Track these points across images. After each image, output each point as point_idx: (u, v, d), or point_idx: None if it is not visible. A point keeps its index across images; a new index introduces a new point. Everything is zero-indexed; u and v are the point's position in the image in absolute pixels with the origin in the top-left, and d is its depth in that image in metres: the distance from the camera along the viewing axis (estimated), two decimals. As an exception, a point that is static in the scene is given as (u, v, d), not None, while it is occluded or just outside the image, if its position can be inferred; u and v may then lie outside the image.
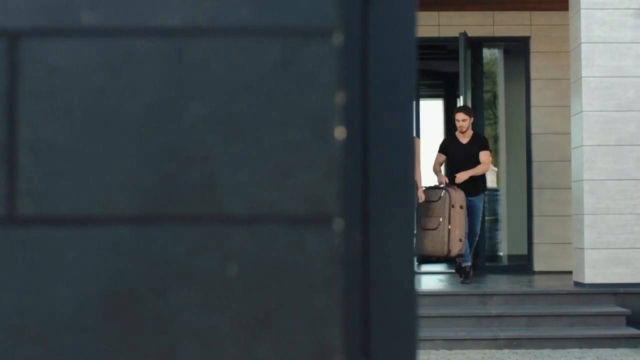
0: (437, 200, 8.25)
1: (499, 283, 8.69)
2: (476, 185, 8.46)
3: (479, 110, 10.07)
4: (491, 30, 10.22)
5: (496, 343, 7.15)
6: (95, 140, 0.68)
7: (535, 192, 10.07)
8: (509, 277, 9.37)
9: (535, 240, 10.05)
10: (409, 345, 0.90)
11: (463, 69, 9.60)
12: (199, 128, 0.67)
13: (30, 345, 0.68)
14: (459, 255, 8.37)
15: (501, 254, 10.71)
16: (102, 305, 0.68)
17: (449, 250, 8.17)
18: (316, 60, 0.68)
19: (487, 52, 10.79)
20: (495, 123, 11.04)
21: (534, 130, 10.09)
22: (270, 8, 0.68)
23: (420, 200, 8.59)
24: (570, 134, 8.64)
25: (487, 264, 10.13)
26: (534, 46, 10.17)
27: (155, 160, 0.68)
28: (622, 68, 8.03)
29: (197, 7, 0.68)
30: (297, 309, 0.68)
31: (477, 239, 8.78)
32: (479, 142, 8.56)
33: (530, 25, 10.20)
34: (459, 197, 8.24)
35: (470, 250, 8.61)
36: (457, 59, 9.83)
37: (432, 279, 9.58)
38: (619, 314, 7.54)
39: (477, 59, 10.26)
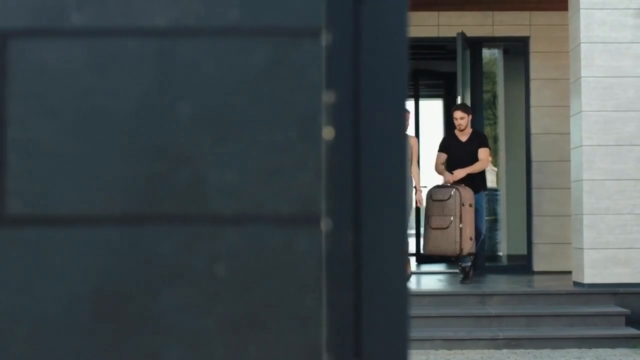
0: (448, 199, 8.16)
1: (499, 283, 8.68)
2: (475, 183, 8.42)
3: (479, 110, 10.07)
4: (491, 30, 10.22)
5: (495, 343, 7.15)
6: (84, 141, 0.68)
7: (534, 192, 10.07)
8: (509, 277, 9.37)
9: (535, 240, 10.05)
10: (401, 345, 0.90)
11: (461, 69, 9.60)
12: (187, 128, 0.67)
13: (19, 345, 0.68)
14: (470, 254, 8.31)
15: (501, 254, 10.71)
16: (91, 305, 0.68)
17: (460, 250, 8.10)
18: (304, 60, 0.68)
19: (486, 52, 10.79)
20: (495, 123, 11.04)
21: (533, 130, 10.09)
22: (259, 8, 0.68)
23: (419, 205, 8.55)
24: (569, 134, 8.64)
25: (486, 264, 10.13)
26: (533, 46, 10.17)
27: (144, 160, 0.68)
28: (622, 68, 8.03)
29: (185, 7, 0.68)
30: (285, 309, 0.68)
31: (482, 237, 8.74)
32: (478, 139, 8.53)
33: (530, 25, 10.20)
34: (468, 195, 8.19)
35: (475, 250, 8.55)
36: (456, 59, 9.82)
37: (431, 279, 9.58)
38: (618, 314, 7.54)
39: (476, 59, 10.26)
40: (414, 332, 7.18)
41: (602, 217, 7.96)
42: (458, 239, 8.07)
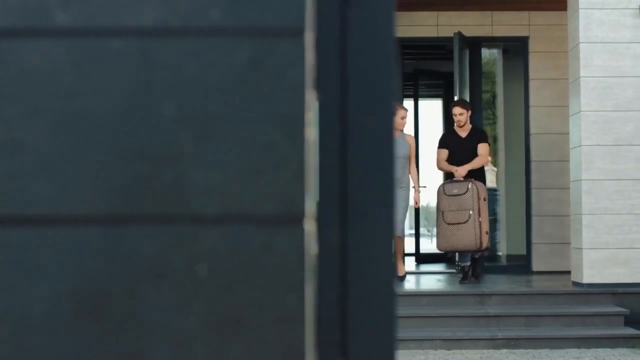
0: (465, 193, 7.99)
1: (498, 283, 8.68)
2: (474, 179, 8.35)
3: (478, 110, 10.06)
4: (490, 30, 10.22)
5: (494, 343, 7.15)
6: (67, 141, 0.68)
7: (534, 192, 10.07)
8: (508, 277, 9.36)
9: (534, 240, 10.05)
10: (387, 345, 0.90)
11: (458, 69, 9.59)
12: (170, 128, 0.68)
13: (1, 345, 0.68)
14: (486, 249, 8.20)
15: (500, 253, 10.71)
16: (74, 304, 0.68)
17: (480, 244, 7.96)
18: (287, 60, 0.68)
19: (485, 52, 10.79)
20: (494, 123, 11.03)
21: (532, 130, 10.09)
22: (241, 9, 0.68)
23: (416, 206, 8.50)
24: (568, 133, 8.63)
25: (485, 263, 10.12)
26: (532, 46, 10.17)
27: (127, 160, 0.68)
28: (621, 68, 8.03)
29: (168, 7, 0.68)
30: (267, 309, 0.68)
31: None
32: (478, 135, 8.46)
33: (529, 25, 10.20)
34: (483, 189, 8.11)
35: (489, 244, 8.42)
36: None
37: (430, 279, 9.58)
38: (617, 314, 7.53)
39: (475, 59, 10.25)
40: (414, 332, 7.18)
41: (601, 217, 7.96)
42: (478, 232, 7.91)
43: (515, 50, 10.53)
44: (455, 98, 9.39)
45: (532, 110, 10.11)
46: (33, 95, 0.69)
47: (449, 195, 8.06)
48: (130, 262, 0.68)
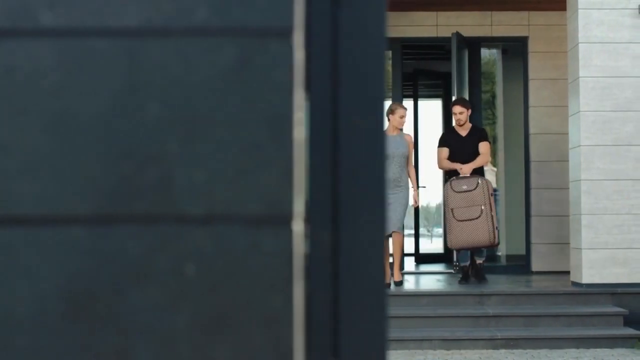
0: (475, 189, 7.92)
1: (497, 283, 8.68)
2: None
3: (478, 110, 10.05)
4: (489, 30, 10.22)
5: (493, 343, 7.15)
6: (53, 141, 0.68)
7: (533, 192, 10.06)
8: (507, 277, 9.36)
9: (533, 240, 10.05)
10: (379, 345, 0.90)
11: (456, 69, 9.57)
12: (155, 128, 0.68)
13: (-12, 346, 0.68)
14: (498, 244, 8.12)
15: (499, 254, 10.71)
16: (60, 304, 0.68)
17: (494, 238, 7.88)
18: (273, 60, 0.68)
19: (485, 52, 10.78)
20: (494, 123, 11.03)
21: (532, 130, 10.09)
22: (227, 8, 0.68)
23: (416, 205, 8.47)
24: (568, 134, 8.63)
25: (485, 264, 10.12)
26: (532, 46, 10.16)
27: (113, 160, 0.68)
28: (620, 68, 8.03)
29: (154, 8, 0.68)
30: (253, 309, 0.68)
31: None
32: (478, 133, 8.42)
33: (529, 25, 10.20)
34: (490, 184, 8.10)
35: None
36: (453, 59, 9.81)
37: (430, 279, 9.58)
38: (616, 314, 7.53)
39: (475, 59, 10.25)
40: (413, 332, 7.18)
41: (600, 217, 7.96)
42: (492, 227, 7.82)
43: (515, 50, 10.54)
44: (453, 98, 9.36)
45: (531, 111, 10.11)
46: (19, 96, 0.69)
47: (458, 192, 7.96)
48: (116, 262, 0.67)
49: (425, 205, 17.05)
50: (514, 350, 7.08)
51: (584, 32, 8.06)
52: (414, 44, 10.69)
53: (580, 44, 8.04)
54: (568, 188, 8.73)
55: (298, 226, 0.70)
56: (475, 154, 8.33)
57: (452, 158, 8.38)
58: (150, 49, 0.68)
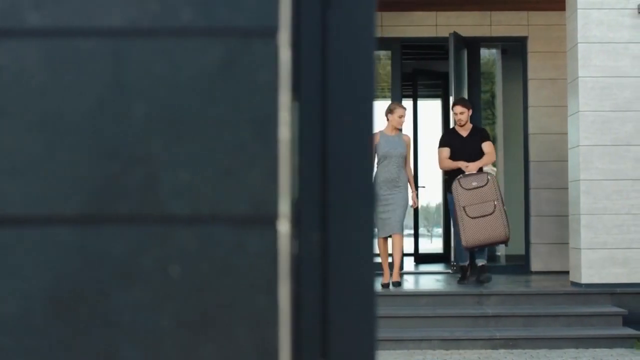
0: (485, 184, 7.84)
1: (496, 283, 8.68)
2: None
3: (477, 110, 10.05)
4: (488, 30, 10.22)
5: (492, 343, 7.15)
6: (38, 141, 0.68)
7: (532, 192, 10.06)
8: (507, 277, 9.36)
9: (533, 240, 10.05)
10: (368, 345, 0.90)
11: (454, 69, 9.57)
12: (141, 129, 0.68)
13: (-27, 346, 0.68)
14: (509, 239, 8.04)
15: (499, 254, 10.71)
16: (45, 304, 0.68)
17: (509, 232, 7.82)
18: (258, 60, 0.68)
19: (484, 52, 10.79)
20: (493, 123, 11.03)
21: (531, 130, 10.09)
22: (213, 9, 0.68)
23: (415, 206, 8.44)
24: (567, 134, 8.63)
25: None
26: (531, 46, 10.16)
27: (98, 160, 0.68)
28: (619, 68, 8.03)
29: (140, 8, 0.68)
30: (239, 310, 0.68)
31: None
32: (479, 133, 8.39)
33: (528, 25, 10.20)
34: (497, 180, 8.08)
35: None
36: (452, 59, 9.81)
37: (429, 279, 9.58)
38: (615, 314, 7.53)
39: (474, 59, 10.25)
40: (412, 332, 7.18)
41: (599, 217, 7.96)
42: (506, 222, 7.76)
43: (514, 50, 10.54)
44: (451, 98, 9.35)
45: (530, 111, 10.11)
46: (4, 95, 0.69)
47: (468, 189, 7.88)
48: (102, 262, 0.68)
49: (424, 205, 17.03)
50: (513, 350, 7.08)
51: (583, 32, 8.05)
52: (413, 43, 10.69)
53: (579, 44, 8.04)
54: (567, 188, 8.72)
55: (283, 226, 0.70)
56: (477, 154, 8.30)
57: (453, 158, 8.34)
58: (136, 49, 0.68)
